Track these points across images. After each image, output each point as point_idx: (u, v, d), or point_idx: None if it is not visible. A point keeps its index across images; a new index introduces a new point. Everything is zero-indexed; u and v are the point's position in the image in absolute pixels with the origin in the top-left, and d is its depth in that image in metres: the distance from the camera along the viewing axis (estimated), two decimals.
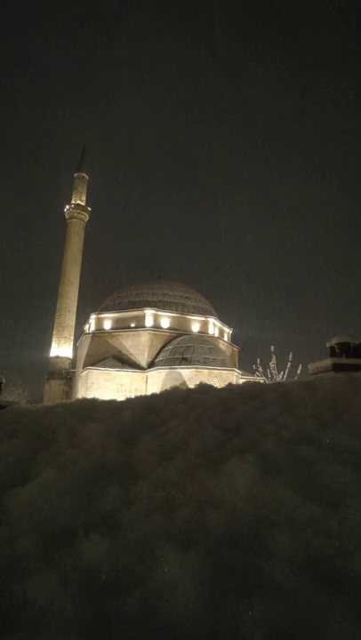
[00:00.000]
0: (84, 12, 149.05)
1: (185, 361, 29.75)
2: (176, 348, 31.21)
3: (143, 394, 14.81)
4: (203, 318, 36.09)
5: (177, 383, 23.80)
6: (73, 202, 48.73)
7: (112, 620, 2.25)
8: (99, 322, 36.07)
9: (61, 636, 2.10)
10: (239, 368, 33.03)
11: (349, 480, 3.50)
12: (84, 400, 8.92)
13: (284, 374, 30.30)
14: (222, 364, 30.28)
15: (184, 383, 26.42)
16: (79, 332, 41.82)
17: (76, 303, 45.54)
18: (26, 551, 2.89)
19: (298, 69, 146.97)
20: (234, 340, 40.54)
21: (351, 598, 2.23)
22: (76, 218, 47.83)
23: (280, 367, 31.01)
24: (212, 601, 2.29)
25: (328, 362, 11.10)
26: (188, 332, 34.25)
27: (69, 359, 43.51)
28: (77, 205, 48.45)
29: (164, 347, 32.91)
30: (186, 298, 37.78)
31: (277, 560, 2.57)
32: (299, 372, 28.66)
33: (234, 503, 3.32)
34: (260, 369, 31.69)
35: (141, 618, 2.24)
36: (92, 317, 36.54)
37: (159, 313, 34.72)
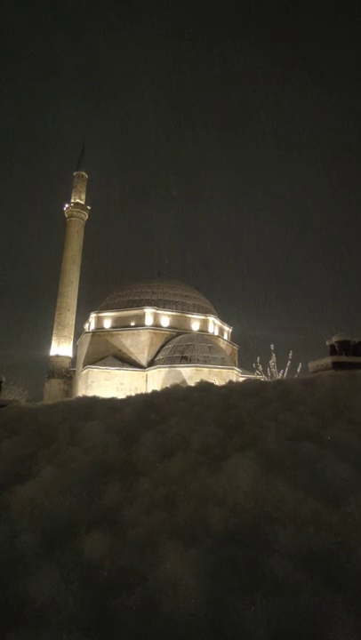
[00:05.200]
0: (84, 10, 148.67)
1: (185, 359, 29.76)
2: (176, 347, 31.22)
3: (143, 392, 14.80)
4: (203, 317, 36.09)
5: (177, 382, 23.78)
6: (72, 200, 48.68)
7: (114, 617, 2.25)
8: (99, 321, 36.06)
9: (63, 632, 2.09)
10: (239, 366, 33.03)
11: (351, 477, 3.49)
12: (85, 398, 8.91)
13: (283, 373, 30.34)
14: (222, 362, 30.29)
15: (184, 382, 26.41)
16: (79, 330, 41.84)
17: (75, 302, 45.50)
18: (27, 548, 2.88)
19: (296, 65, 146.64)
20: (234, 338, 40.57)
21: (354, 594, 2.22)
22: (75, 217, 47.79)
23: (280, 365, 31.07)
24: (214, 597, 2.28)
25: (328, 360, 11.07)
26: (187, 331, 34.25)
27: (69, 358, 43.51)
28: (77, 204, 48.40)
29: (163, 345, 32.92)
30: (186, 296, 37.76)
31: (280, 556, 2.56)
32: (299, 370, 28.71)
33: (235, 500, 3.31)
34: (260, 367, 31.75)
35: (143, 614, 2.24)
36: (92, 316, 36.54)
37: (159, 312, 34.71)
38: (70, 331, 44.30)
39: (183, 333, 33.31)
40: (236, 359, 38.40)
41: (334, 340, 11.78)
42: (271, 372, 31.04)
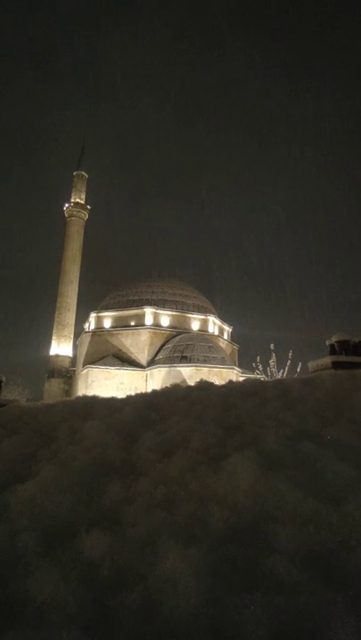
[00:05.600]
0: (84, 10, 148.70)
1: (185, 359, 29.73)
2: (176, 347, 31.19)
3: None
4: (202, 316, 36.06)
5: (177, 381, 23.78)
6: (72, 200, 48.61)
7: (114, 616, 2.25)
8: (98, 320, 36.05)
9: (63, 631, 2.09)
10: (239, 366, 33.00)
11: (351, 476, 3.49)
12: (85, 398, 8.91)
13: (283, 372, 30.37)
14: (222, 362, 30.27)
15: (184, 381, 26.40)
16: (79, 330, 41.79)
17: (75, 302, 45.42)
18: (27, 547, 2.88)
19: (296, 66, 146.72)
20: (233, 338, 40.54)
21: (354, 593, 2.22)
22: (75, 216, 47.70)
23: (280, 365, 31.09)
24: (214, 596, 2.28)
25: (328, 359, 11.08)
26: (187, 331, 34.22)
27: (69, 358, 43.45)
28: (77, 204, 48.32)
29: (163, 345, 32.89)
30: (185, 296, 37.73)
31: (280, 555, 2.56)
32: (299, 370, 28.74)
33: (235, 499, 3.31)
34: (260, 367, 31.76)
35: (143, 613, 2.24)
36: (92, 316, 36.52)
37: (159, 311, 34.69)
38: (70, 330, 44.25)
39: (183, 333, 33.28)
40: (236, 359, 38.38)
41: (334, 339, 11.77)
42: (271, 371, 31.08)
